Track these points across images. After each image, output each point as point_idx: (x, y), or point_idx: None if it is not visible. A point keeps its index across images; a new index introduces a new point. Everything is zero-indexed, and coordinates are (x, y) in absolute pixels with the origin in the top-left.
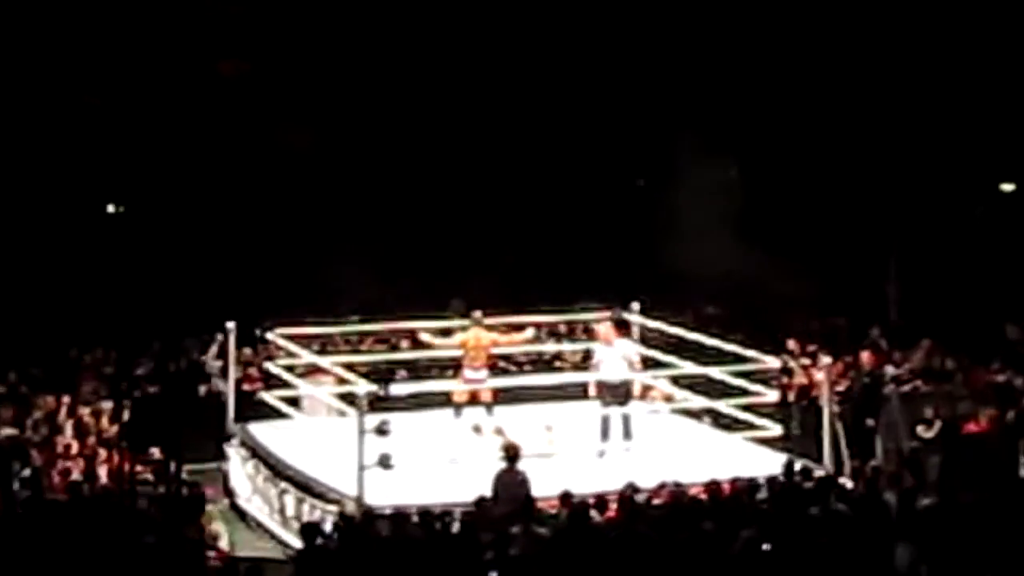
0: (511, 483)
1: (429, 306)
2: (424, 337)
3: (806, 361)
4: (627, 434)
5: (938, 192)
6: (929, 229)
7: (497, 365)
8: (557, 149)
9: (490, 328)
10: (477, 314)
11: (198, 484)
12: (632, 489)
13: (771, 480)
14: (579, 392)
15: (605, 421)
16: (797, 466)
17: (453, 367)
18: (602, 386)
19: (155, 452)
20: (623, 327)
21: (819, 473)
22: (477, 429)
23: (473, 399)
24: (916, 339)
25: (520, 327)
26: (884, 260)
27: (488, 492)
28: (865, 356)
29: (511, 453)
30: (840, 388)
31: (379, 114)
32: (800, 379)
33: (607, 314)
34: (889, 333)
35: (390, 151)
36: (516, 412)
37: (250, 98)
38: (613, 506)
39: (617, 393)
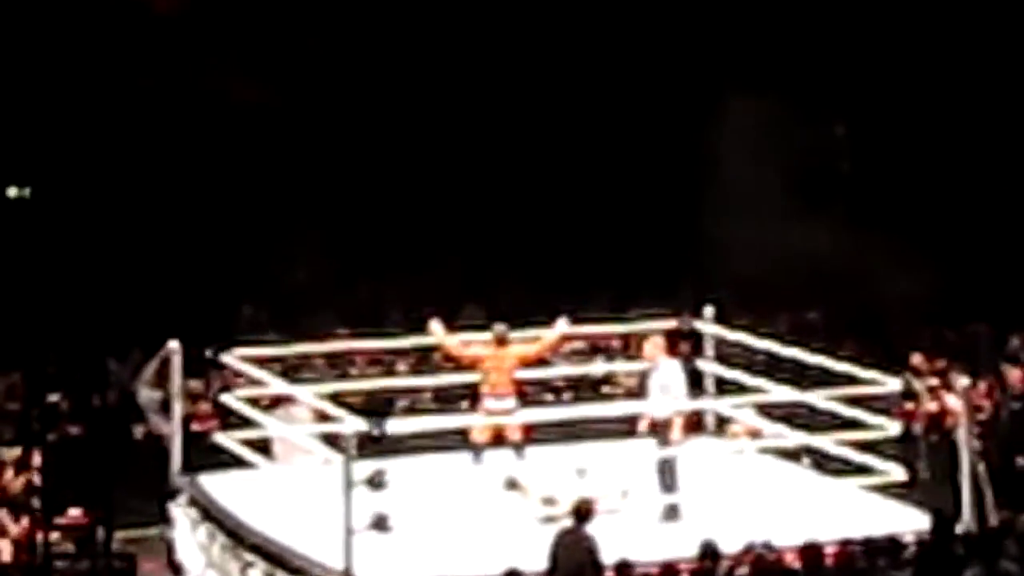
0: (575, 546)
1: (436, 315)
2: (435, 328)
3: (936, 382)
4: (666, 485)
5: None
6: None
7: (527, 392)
8: (601, 108)
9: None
10: (500, 327)
11: (133, 557)
12: (711, 554)
13: (893, 541)
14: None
15: (662, 467)
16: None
17: (469, 396)
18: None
19: (77, 514)
20: (688, 340)
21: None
22: (513, 485)
23: (497, 438)
24: None
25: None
26: None
27: (531, 561)
28: (1015, 375)
29: (583, 511)
30: (982, 417)
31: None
32: (929, 406)
33: (672, 323)
34: None
35: (375, 118)
36: (555, 455)
37: (189, 45)
38: None
39: (660, 430)
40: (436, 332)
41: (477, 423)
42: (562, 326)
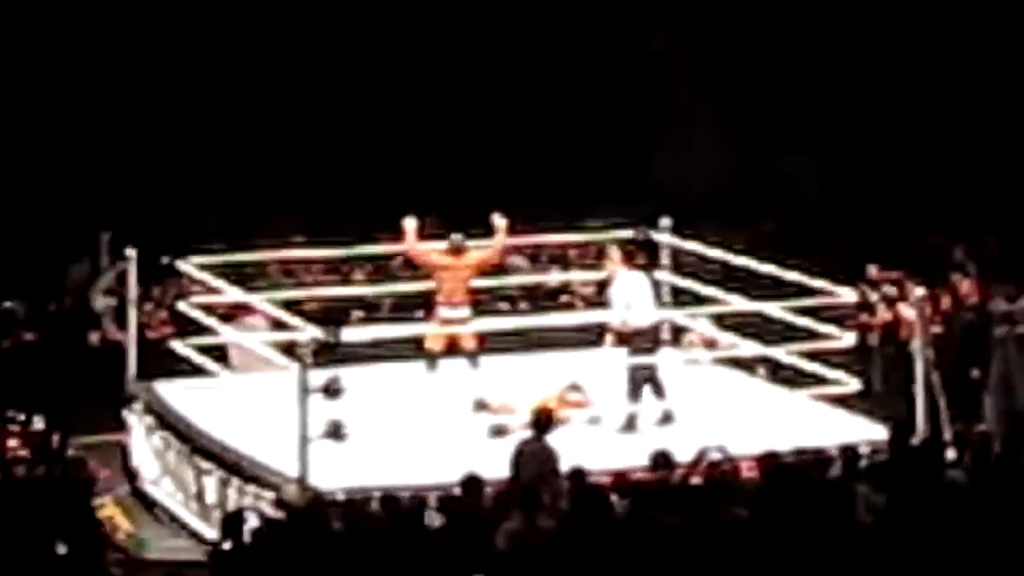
0: (538, 458)
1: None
2: (408, 224)
3: (892, 292)
4: (633, 395)
5: None
6: None
7: (482, 301)
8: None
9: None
10: (456, 237)
11: (85, 462)
12: (663, 463)
13: (848, 450)
14: (592, 337)
15: (632, 376)
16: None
17: (425, 306)
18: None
19: (32, 420)
20: (644, 250)
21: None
22: (482, 406)
23: (452, 346)
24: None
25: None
26: (987, 159)
27: (480, 469)
28: (965, 285)
29: (544, 419)
30: (935, 329)
31: None
32: (884, 317)
33: (629, 233)
34: (986, 255)
35: (331, 30)
36: (512, 364)
37: None
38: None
39: (637, 341)
40: (408, 228)
41: (432, 331)
42: (498, 220)
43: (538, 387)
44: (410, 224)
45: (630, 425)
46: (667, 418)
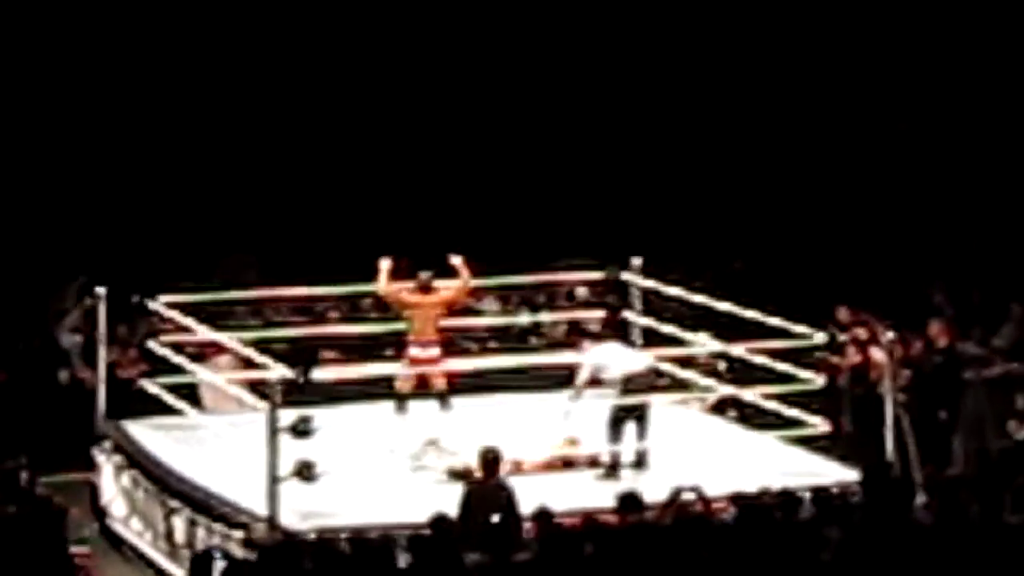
0: (488, 498)
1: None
2: (383, 265)
3: (862, 334)
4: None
5: None
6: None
7: (452, 341)
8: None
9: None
10: (425, 274)
11: (56, 501)
12: (632, 505)
13: (819, 491)
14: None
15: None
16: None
17: (395, 345)
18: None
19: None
20: (614, 291)
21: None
22: (432, 443)
23: (422, 386)
24: (1003, 307)
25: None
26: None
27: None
28: (936, 328)
29: (489, 459)
30: (905, 371)
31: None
32: (853, 359)
33: (599, 274)
34: (962, 297)
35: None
36: (481, 406)
37: None
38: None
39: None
40: (382, 267)
41: (402, 372)
42: (454, 260)
43: (533, 436)
44: (384, 264)
45: (613, 468)
46: (640, 462)
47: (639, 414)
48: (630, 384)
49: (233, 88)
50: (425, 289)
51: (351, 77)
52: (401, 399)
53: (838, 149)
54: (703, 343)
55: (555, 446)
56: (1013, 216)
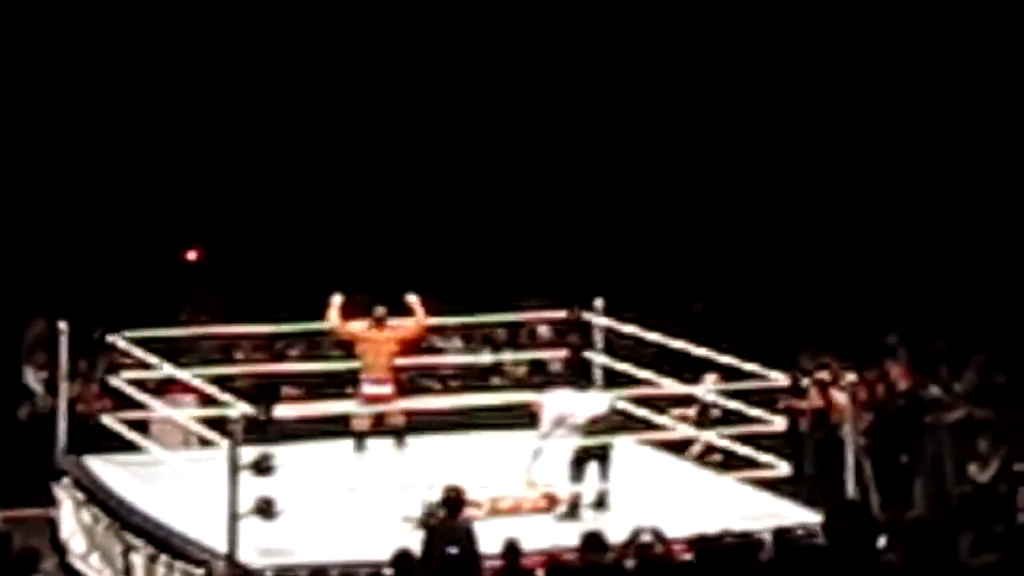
0: (451, 536)
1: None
2: (335, 300)
3: (824, 377)
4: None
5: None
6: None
7: (410, 381)
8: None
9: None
10: (380, 309)
11: (9, 536)
12: (595, 545)
13: (780, 533)
14: (518, 418)
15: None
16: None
17: (354, 383)
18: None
19: None
20: (577, 331)
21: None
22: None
23: (378, 423)
24: (964, 352)
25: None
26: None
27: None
28: (896, 371)
29: (452, 498)
30: (867, 414)
31: None
32: (815, 402)
33: (561, 314)
34: (920, 341)
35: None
36: (440, 444)
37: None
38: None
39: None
40: (333, 303)
41: (356, 409)
42: (410, 298)
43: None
44: (335, 299)
45: (573, 508)
46: (601, 503)
47: (602, 455)
48: (594, 426)
49: (194, 126)
50: (379, 324)
51: (316, 110)
52: (359, 437)
53: (800, 191)
54: (664, 384)
55: (517, 489)
56: (974, 260)
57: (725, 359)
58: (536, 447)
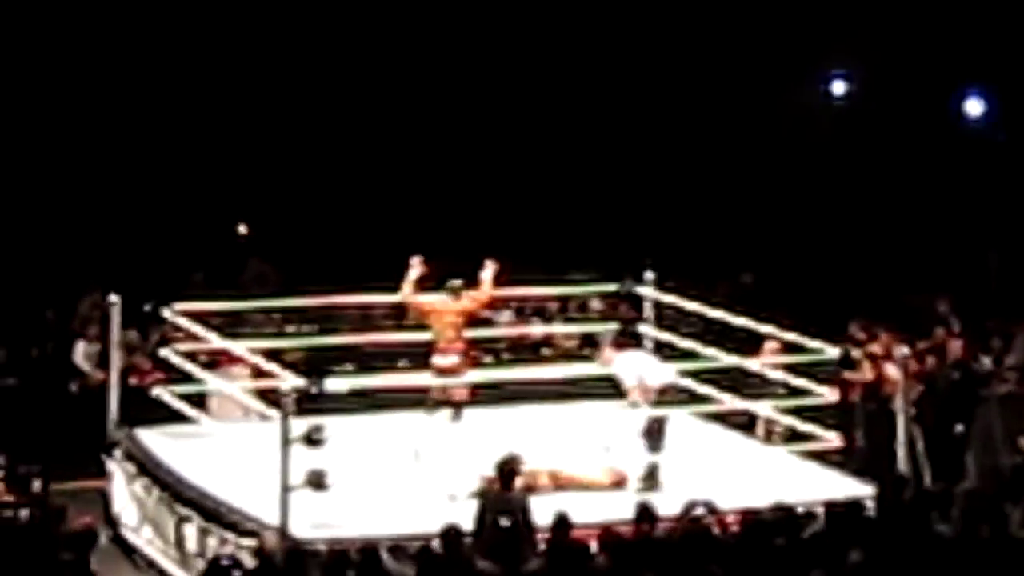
0: (503, 508)
1: (379, 278)
2: (415, 262)
3: (875, 349)
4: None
5: None
6: None
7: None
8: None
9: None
10: (455, 282)
11: (65, 510)
12: (648, 517)
13: (831, 506)
14: (570, 391)
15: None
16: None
17: (412, 354)
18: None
19: (15, 465)
20: (628, 304)
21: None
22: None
23: (444, 395)
24: (1014, 320)
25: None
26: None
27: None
28: (951, 343)
29: (507, 470)
30: (920, 386)
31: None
32: (867, 374)
33: (612, 286)
34: (976, 311)
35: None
36: (497, 417)
37: None
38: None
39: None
40: (410, 276)
41: (424, 381)
42: (488, 269)
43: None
44: (413, 272)
45: (651, 478)
46: (652, 474)
47: (661, 426)
48: (662, 396)
49: (244, 96)
50: (455, 295)
51: (364, 79)
52: (433, 405)
53: (850, 163)
54: (714, 357)
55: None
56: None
57: (779, 332)
58: (606, 444)
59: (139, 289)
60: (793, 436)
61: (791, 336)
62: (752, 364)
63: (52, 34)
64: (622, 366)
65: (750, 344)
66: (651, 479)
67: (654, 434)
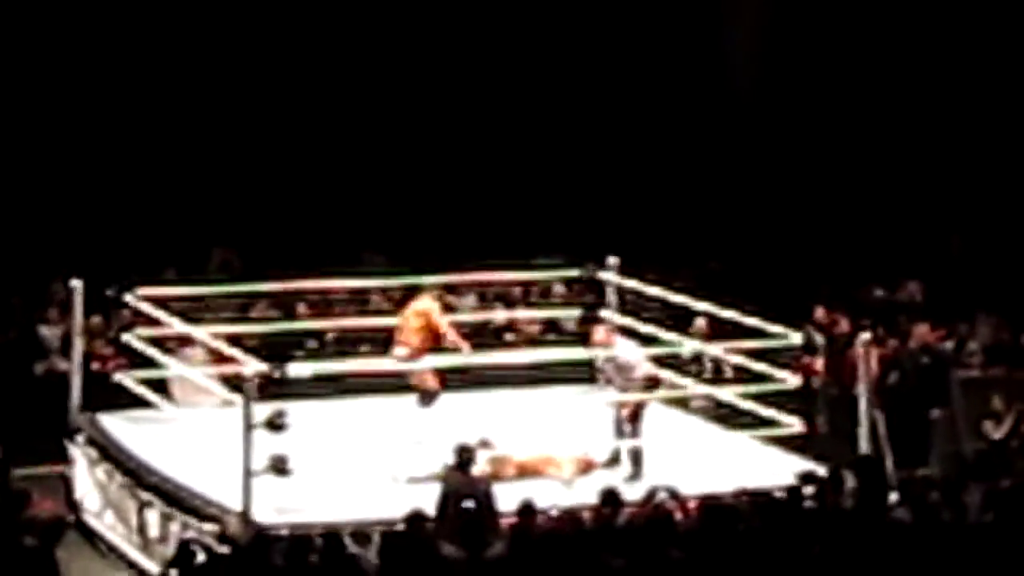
0: (466, 493)
1: (336, 261)
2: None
3: (837, 334)
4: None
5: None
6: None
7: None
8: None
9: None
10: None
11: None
12: (612, 501)
13: (793, 491)
14: (528, 377)
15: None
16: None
17: (373, 340)
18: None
19: None
20: (591, 289)
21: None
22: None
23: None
24: (973, 307)
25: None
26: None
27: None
28: (922, 330)
29: (464, 456)
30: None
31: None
32: (828, 359)
33: (575, 272)
34: (940, 296)
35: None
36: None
37: None
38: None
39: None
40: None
41: (384, 366)
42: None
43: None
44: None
45: (637, 466)
46: (617, 459)
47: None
48: (650, 383)
49: (213, 85)
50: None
51: (328, 75)
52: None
53: (815, 148)
54: (679, 343)
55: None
56: (988, 215)
57: (739, 318)
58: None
59: (102, 275)
60: (756, 421)
61: (752, 321)
62: (713, 349)
63: (20, 28)
64: (624, 349)
65: (714, 331)
66: (637, 469)
67: (637, 420)
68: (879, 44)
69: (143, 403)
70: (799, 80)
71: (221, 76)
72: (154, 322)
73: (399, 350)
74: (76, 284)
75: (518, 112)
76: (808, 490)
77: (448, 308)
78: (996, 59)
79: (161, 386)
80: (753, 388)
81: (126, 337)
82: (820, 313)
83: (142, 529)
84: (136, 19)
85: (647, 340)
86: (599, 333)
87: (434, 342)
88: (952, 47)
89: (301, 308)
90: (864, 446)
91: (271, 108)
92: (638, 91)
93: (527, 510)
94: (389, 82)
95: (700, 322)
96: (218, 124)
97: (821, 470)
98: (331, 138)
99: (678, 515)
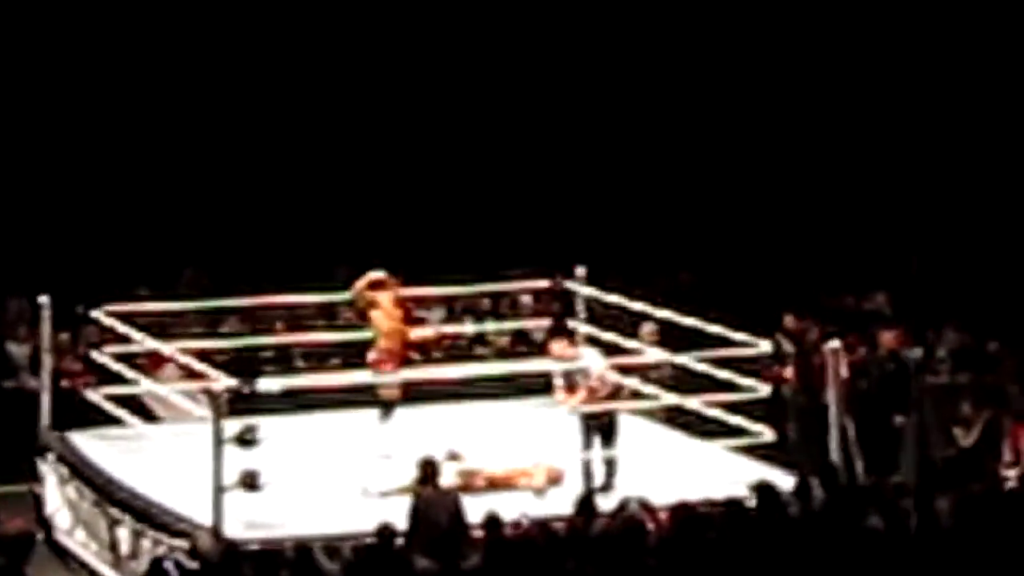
0: (437, 505)
1: (304, 277)
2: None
3: (807, 342)
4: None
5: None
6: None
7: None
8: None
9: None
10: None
11: None
12: (587, 510)
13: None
14: (499, 389)
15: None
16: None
17: (344, 354)
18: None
19: None
20: (560, 300)
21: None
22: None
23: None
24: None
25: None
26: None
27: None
28: (888, 336)
29: (428, 470)
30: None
31: None
32: (797, 367)
33: (544, 283)
34: (903, 303)
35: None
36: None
37: None
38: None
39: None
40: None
41: (354, 380)
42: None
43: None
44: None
45: (611, 474)
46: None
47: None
48: (620, 393)
49: (183, 101)
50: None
51: (297, 94)
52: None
53: (784, 158)
54: (648, 352)
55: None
56: (955, 223)
57: (710, 328)
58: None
59: (70, 291)
60: (726, 430)
61: (724, 331)
62: (683, 359)
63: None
64: (592, 359)
65: (683, 340)
66: (610, 476)
67: (612, 432)
68: (847, 62)
69: (113, 420)
70: (769, 92)
71: (192, 92)
72: (123, 339)
73: (371, 354)
74: (44, 300)
75: (487, 126)
76: (753, 502)
77: (417, 320)
78: (962, 93)
79: (132, 403)
80: (722, 397)
81: (95, 354)
82: (790, 321)
83: (113, 546)
84: (105, 38)
85: (612, 350)
86: (558, 345)
87: (404, 334)
88: (921, 71)
89: (272, 323)
90: (834, 453)
91: (242, 123)
92: (609, 102)
93: (493, 523)
94: (357, 99)
95: (648, 327)
96: (189, 140)
97: (787, 479)
98: (303, 153)
99: (650, 525)
